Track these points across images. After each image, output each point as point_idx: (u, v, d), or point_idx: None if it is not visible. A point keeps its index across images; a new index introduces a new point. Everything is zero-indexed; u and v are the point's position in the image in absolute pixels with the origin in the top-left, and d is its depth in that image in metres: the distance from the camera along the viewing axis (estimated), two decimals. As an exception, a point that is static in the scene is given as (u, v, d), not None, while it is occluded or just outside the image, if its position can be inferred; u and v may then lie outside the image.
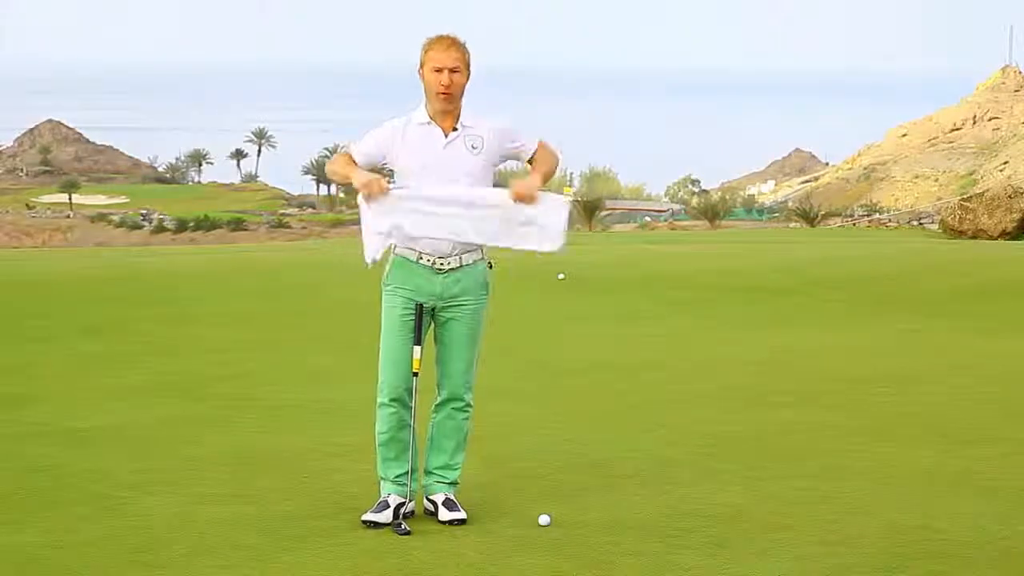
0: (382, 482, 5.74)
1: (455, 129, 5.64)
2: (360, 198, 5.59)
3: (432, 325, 5.74)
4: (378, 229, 5.63)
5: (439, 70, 5.56)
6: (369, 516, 5.58)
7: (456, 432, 5.80)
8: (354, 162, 5.66)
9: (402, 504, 5.63)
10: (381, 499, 5.67)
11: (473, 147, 5.64)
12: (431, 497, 5.77)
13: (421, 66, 5.62)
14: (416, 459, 5.78)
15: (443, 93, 5.57)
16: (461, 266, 5.68)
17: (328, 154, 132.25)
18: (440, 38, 5.63)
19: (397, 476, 5.71)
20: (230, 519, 5.67)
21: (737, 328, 13.23)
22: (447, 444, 5.79)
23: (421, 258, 5.65)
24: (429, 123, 5.65)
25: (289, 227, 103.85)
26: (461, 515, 5.63)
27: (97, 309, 14.47)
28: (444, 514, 5.65)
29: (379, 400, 5.74)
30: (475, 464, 6.41)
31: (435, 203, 5.56)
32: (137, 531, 5.49)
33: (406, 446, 5.72)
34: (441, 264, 5.65)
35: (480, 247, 5.71)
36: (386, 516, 5.57)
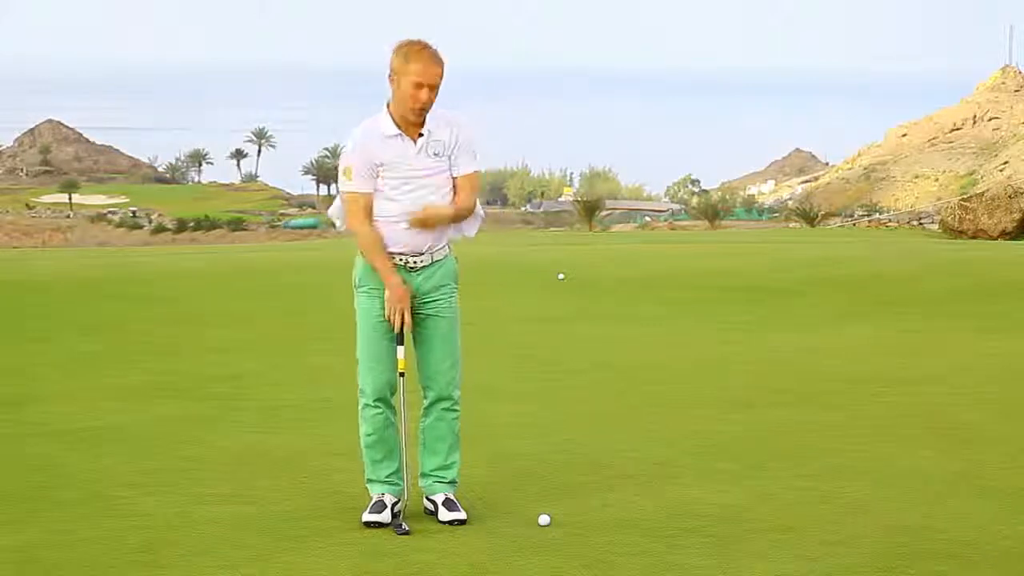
0: (370, 484, 5.73)
1: (421, 135, 5.63)
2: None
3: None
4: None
5: (420, 86, 5.51)
6: (369, 517, 5.58)
7: (449, 433, 5.79)
8: (369, 221, 5.60)
9: (396, 502, 5.64)
10: (375, 500, 5.66)
11: (436, 153, 5.64)
12: (431, 497, 5.77)
13: (395, 73, 5.52)
14: (405, 454, 5.76)
15: (420, 108, 5.55)
16: (432, 262, 5.71)
17: (328, 154, 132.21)
18: (423, 51, 5.52)
19: (388, 475, 5.70)
20: (230, 519, 5.67)
21: (737, 328, 13.24)
22: (440, 446, 5.78)
23: (394, 259, 5.65)
24: (398, 135, 5.61)
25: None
26: (461, 515, 5.63)
27: (97, 309, 14.48)
28: (444, 514, 5.65)
29: (362, 402, 5.72)
30: (476, 464, 6.41)
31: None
32: (137, 531, 5.49)
33: (393, 445, 5.71)
34: (414, 262, 5.66)
35: (447, 243, 5.75)
36: (386, 516, 5.57)
